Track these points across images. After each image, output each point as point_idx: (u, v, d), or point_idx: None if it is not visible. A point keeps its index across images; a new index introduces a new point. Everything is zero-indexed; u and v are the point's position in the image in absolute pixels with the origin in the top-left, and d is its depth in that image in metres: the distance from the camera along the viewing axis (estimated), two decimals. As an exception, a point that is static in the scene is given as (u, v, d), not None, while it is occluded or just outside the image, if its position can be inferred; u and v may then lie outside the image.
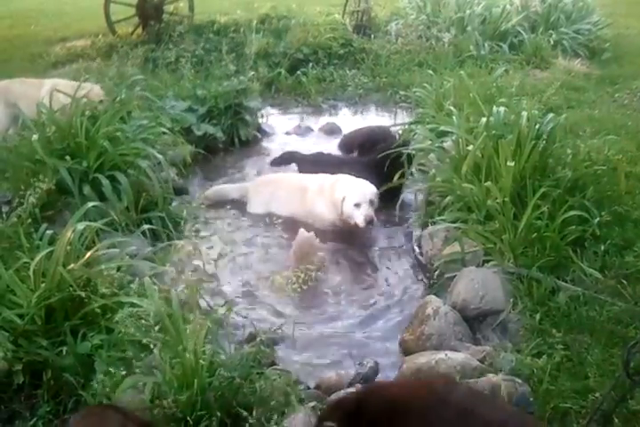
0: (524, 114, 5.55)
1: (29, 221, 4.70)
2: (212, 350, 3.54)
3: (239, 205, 6.57)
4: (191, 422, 3.19)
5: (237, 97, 8.17)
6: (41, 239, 4.43)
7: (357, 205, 5.66)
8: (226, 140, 8.01)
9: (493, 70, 9.03)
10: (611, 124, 7.53)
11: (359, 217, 5.66)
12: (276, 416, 3.30)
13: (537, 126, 5.48)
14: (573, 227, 4.78)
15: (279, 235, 5.96)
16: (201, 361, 3.32)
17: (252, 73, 9.50)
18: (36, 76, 8.45)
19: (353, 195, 5.70)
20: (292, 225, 5.93)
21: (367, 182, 5.88)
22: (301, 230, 5.34)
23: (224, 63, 9.74)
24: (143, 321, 3.55)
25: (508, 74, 9.52)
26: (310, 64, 10.63)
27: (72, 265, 3.92)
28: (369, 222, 5.65)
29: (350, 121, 9.13)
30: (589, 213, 4.92)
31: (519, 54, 11.05)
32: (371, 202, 5.71)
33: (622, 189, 5.41)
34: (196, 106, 8.06)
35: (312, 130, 8.71)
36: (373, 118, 9.33)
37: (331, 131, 8.61)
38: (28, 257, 4.12)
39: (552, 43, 11.34)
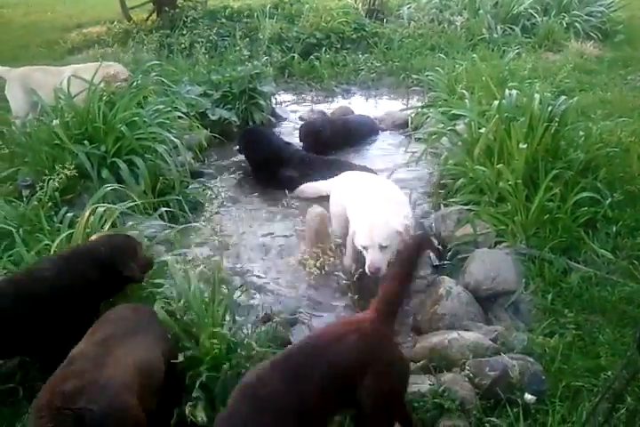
0: (537, 96, 5.57)
1: (50, 204, 4.83)
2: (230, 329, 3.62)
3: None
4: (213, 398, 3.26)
5: (251, 82, 8.22)
6: (61, 222, 4.53)
7: (365, 248, 4.60)
8: (240, 124, 8.03)
9: (506, 53, 9.00)
10: (623, 107, 7.52)
11: (366, 262, 4.55)
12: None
13: (549, 109, 5.50)
14: (585, 208, 4.82)
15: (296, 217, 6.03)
16: (215, 341, 3.39)
17: (266, 58, 9.56)
18: (53, 62, 8.55)
19: (361, 234, 4.62)
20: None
21: (389, 219, 4.62)
22: (311, 209, 5.31)
23: (238, 48, 9.80)
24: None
25: (521, 57, 9.50)
26: (323, 48, 10.65)
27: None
28: (372, 273, 4.49)
29: (363, 105, 9.16)
30: (601, 195, 4.96)
31: (532, 37, 11.01)
32: (381, 247, 4.52)
33: (634, 170, 5.43)
34: (211, 91, 8.13)
35: (325, 114, 8.73)
36: (386, 102, 9.35)
37: (343, 115, 8.61)
38: (49, 239, 4.23)
39: (565, 25, 11.29)
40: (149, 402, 2.87)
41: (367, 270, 4.48)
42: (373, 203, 4.85)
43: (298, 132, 7.61)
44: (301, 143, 7.47)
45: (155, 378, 2.98)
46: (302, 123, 7.92)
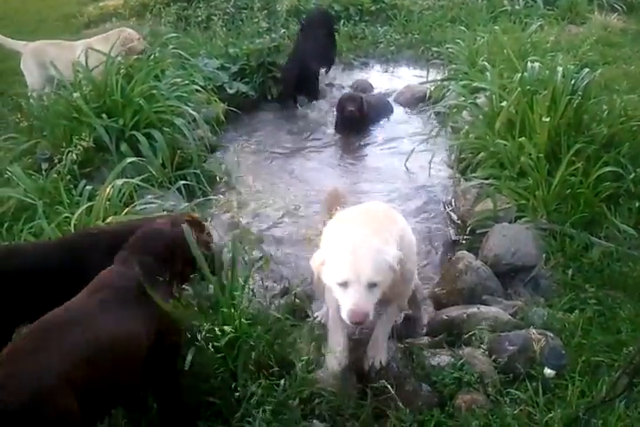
0: (559, 69, 5.49)
1: (69, 177, 4.86)
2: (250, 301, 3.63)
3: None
4: (232, 369, 3.28)
5: (269, 55, 8.18)
6: (80, 195, 4.55)
7: (344, 285, 3.06)
8: (258, 97, 8.04)
9: (528, 26, 8.85)
10: (648, 80, 7.39)
11: (343, 306, 3.07)
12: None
13: (572, 82, 5.42)
14: (608, 183, 4.76)
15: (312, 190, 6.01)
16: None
17: (284, 30, 9.45)
18: (70, 36, 8.53)
19: (339, 265, 3.12)
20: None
21: (382, 248, 3.15)
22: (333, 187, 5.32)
23: (255, 21, 9.72)
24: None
25: (543, 29, 9.29)
26: (341, 21, 10.47)
27: (111, 218, 4.03)
28: (356, 322, 3.03)
29: (382, 78, 9.08)
30: (624, 170, 4.90)
31: (554, 9, 10.76)
32: (370, 285, 3.04)
33: (659, 145, 5.35)
34: (229, 64, 8.10)
35: (343, 87, 8.66)
36: (405, 75, 9.24)
37: (362, 88, 8.55)
38: (69, 212, 4.25)
39: (588, -3, 11.08)
40: (114, 387, 2.63)
41: (346, 318, 3.04)
42: (356, 221, 3.43)
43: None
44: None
45: (125, 359, 2.66)
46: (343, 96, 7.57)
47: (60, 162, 5.01)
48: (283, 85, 8.02)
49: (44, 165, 5.13)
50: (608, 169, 4.80)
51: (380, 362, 3.45)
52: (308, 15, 9.11)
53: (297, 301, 4.00)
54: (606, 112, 5.44)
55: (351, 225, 3.35)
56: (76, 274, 3.23)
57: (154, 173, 5.16)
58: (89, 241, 3.45)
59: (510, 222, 4.79)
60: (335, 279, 3.09)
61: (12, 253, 3.46)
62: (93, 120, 5.44)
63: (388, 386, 3.29)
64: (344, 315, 3.04)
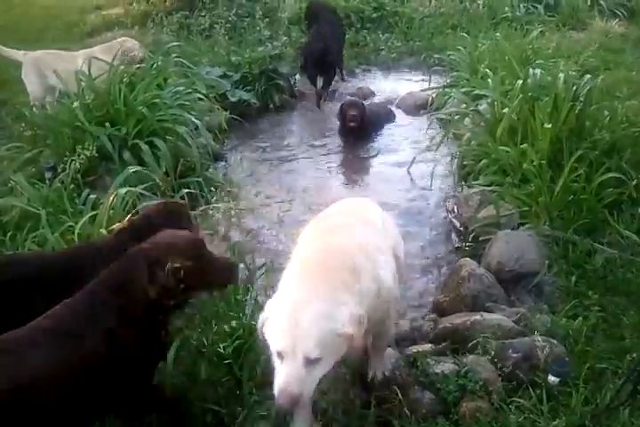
0: (561, 76, 5.50)
1: (72, 186, 4.87)
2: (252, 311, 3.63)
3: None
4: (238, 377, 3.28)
5: (271, 63, 8.22)
6: (84, 204, 4.56)
7: (279, 356, 2.47)
8: (260, 105, 8.07)
9: (529, 32, 8.87)
10: (649, 86, 7.40)
11: (276, 380, 2.46)
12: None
13: (574, 88, 5.43)
14: (610, 189, 4.76)
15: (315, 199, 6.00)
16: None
17: (285, 38, 9.48)
18: (72, 44, 8.57)
19: (274, 329, 2.52)
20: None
21: (330, 310, 2.52)
22: None
23: (257, 29, 9.77)
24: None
25: (544, 36, 9.34)
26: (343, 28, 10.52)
27: (114, 226, 4.04)
28: (287, 402, 2.40)
29: (384, 85, 9.10)
30: (626, 176, 4.89)
31: (555, 15, 10.83)
32: (309, 361, 2.43)
33: (661, 150, 5.35)
34: (231, 72, 8.15)
35: (346, 95, 8.67)
36: (407, 82, 9.25)
37: (364, 95, 8.57)
38: (72, 221, 4.26)
39: (589, 3, 11.12)
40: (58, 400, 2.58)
41: (275, 395, 2.43)
42: (307, 268, 2.78)
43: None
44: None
45: (57, 381, 2.56)
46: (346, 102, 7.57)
47: (63, 171, 5.03)
48: (304, 61, 8.35)
49: (48, 174, 5.13)
50: (610, 175, 4.80)
51: (384, 373, 3.45)
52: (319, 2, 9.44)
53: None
54: (608, 118, 5.44)
55: (300, 271, 2.77)
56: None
57: (157, 181, 5.17)
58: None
59: (513, 229, 4.79)
60: (271, 346, 2.52)
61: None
62: (96, 129, 5.46)
63: (393, 394, 3.30)
64: (275, 391, 2.44)
